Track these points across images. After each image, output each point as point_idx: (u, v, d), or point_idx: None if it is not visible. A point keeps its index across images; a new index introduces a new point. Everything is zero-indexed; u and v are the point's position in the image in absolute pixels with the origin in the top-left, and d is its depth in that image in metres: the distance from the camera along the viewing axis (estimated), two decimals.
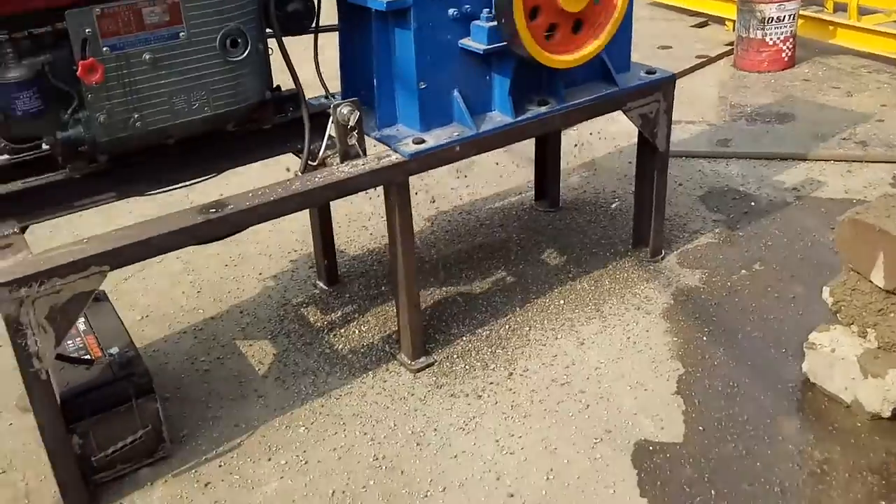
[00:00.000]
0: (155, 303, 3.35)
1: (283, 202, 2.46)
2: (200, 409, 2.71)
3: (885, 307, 2.49)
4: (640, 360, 2.79)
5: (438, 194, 4.07)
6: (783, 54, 5.25)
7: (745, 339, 2.85)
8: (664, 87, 3.10)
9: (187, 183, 2.68)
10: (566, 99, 2.91)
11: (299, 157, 2.78)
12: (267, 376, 2.85)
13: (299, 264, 3.55)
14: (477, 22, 2.67)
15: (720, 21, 6.53)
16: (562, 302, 3.11)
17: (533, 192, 3.93)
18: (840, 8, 6.29)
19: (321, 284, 3.37)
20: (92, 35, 2.24)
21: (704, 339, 2.87)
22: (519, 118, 2.82)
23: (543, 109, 2.87)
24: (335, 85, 2.96)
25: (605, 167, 4.25)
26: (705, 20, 6.70)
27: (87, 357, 2.44)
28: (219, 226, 2.37)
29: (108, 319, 2.68)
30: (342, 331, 3.06)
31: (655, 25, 6.52)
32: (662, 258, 3.35)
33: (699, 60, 5.66)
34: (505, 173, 4.26)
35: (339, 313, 3.17)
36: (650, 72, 3.12)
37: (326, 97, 2.90)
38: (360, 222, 3.87)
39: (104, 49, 2.26)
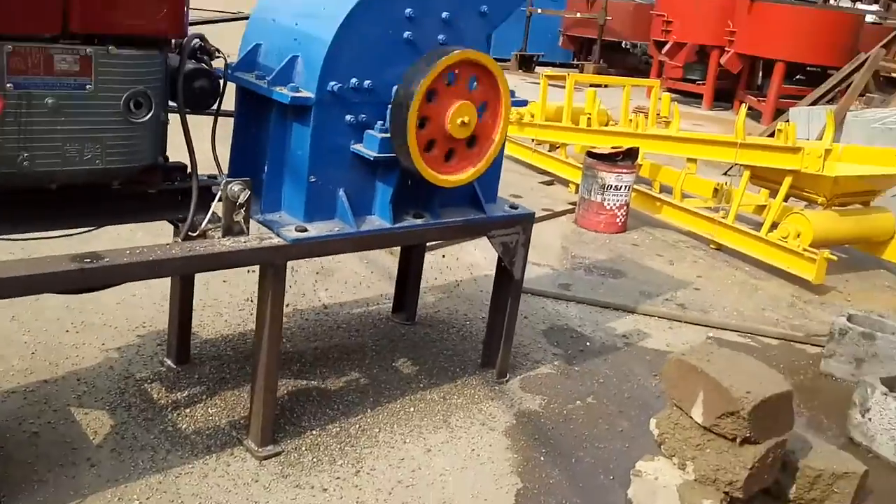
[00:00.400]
0: None
1: (160, 264, 2.46)
2: (25, 471, 2.53)
3: (702, 442, 2.76)
4: (482, 471, 2.90)
5: (297, 293, 4.12)
6: (617, 219, 5.85)
7: (579, 463, 3.05)
8: (524, 221, 3.40)
9: (62, 232, 2.62)
10: (440, 216, 3.14)
11: (177, 226, 2.80)
12: (102, 446, 2.71)
13: (146, 340, 3.45)
14: (370, 131, 2.87)
15: (565, 182, 7.18)
16: (412, 409, 3.21)
17: (390, 305, 4.07)
18: (665, 189, 7.13)
19: (169, 362, 3.28)
20: None
21: (542, 458, 3.03)
22: (396, 225, 2.99)
23: (419, 221, 3.07)
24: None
25: (459, 292, 4.48)
26: (552, 179, 7.34)
27: None
28: (91, 276, 2.34)
29: None
30: (187, 410, 2.98)
31: (509, 176, 7.00)
32: (507, 381, 3.55)
33: (545, 213, 6.17)
34: (364, 283, 4.39)
35: (186, 393, 3.10)
36: (513, 206, 3.42)
37: (218, 175, 2.96)
38: (215, 308, 3.83)
39: (8, 85, 2.25)
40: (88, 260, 2.32)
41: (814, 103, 8.63)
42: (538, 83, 7.70)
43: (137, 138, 2.53)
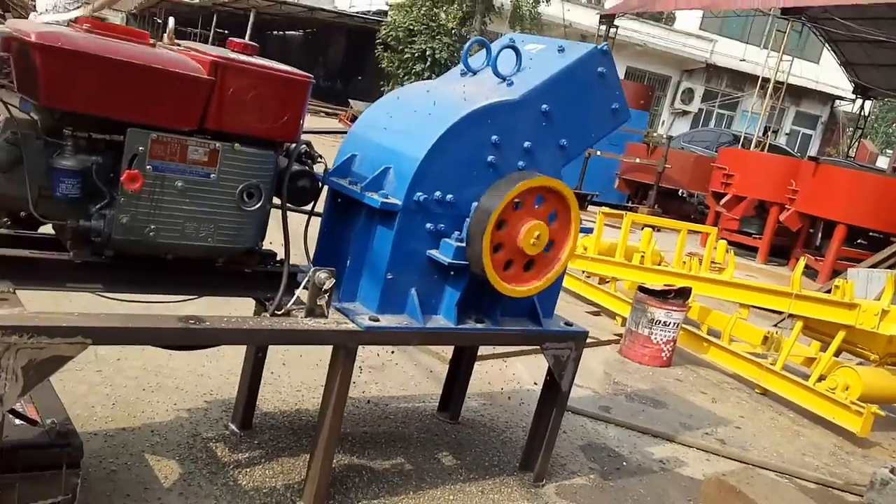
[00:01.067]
0: (69, 403, 3.42)
1: (252, 332, 2.79)
2: (102, 501, 2.80)
3: None
4: None
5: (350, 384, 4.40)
6: (663, 354, 6.04)
7: None
8: (577, 338, 3.66)
9: (169, 298, 2.98)
10: (500, 323, 3.43)
11: (264, 305, 3.14)
12: (171, 490, 2.98)
13: (213, 406, 3.75)
14: (447, 239, 3.22)
15: (612, 315, 7.41)
16: (451, 497, 3.41)
17: (436, 404, 4.31)
18: (713, 332, 7.30)
19: (233, 427, 3.56)
20: (143, 153, 2.65)
21: None
22: (458, 326, 3.29)
23: (480, 326, 3.37)
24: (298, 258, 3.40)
25: (503, 402, 4.70)
26: (599, 311, 7.58)
27: (32, 418, 2.57)
28: (194, 335, 2.67)
29: (47, 395, 2.83)
30: (247, 469, 3.24)
31: (558, 304, 7.32)
32: (543, 485, 3.72)
33: (591, 341, 6.39)
34: (413, 382, 4.65)
35: (247, 454, 3.36)
36: (568, 324, 3.70)
37: (307, 263, 3.31)
38: (274, 387, 4.13)
39: (148, 167, 2.67)
40: (193, 322, 2.66)
41: (874, 266, 8.78)
42: (591, 221, 8.07)
43: (246, 224, 2.92)
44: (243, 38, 3.02)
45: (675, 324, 6.01)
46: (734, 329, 6.54)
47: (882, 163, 37.62)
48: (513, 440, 4.17)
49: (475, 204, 3.19)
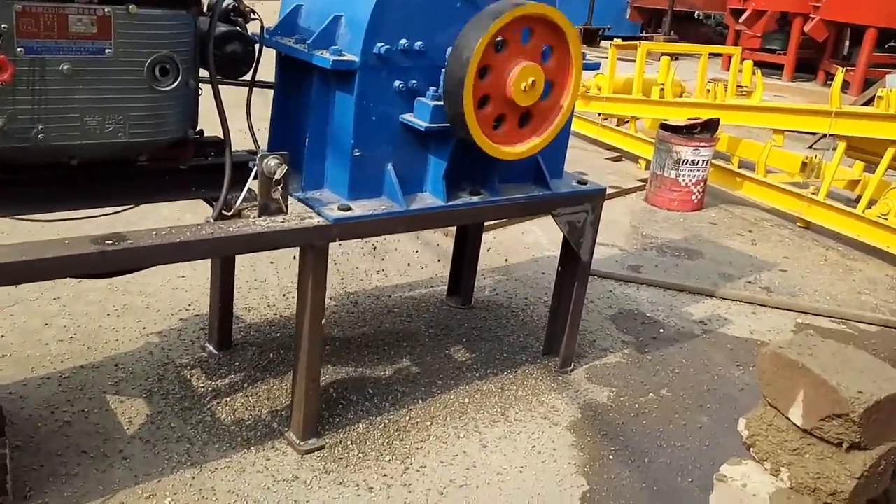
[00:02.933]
0: (20, 342, 3.00)
1: (189, 246, 2.24)
2: (54, 463, 2.37)
3: (800, 447, 2.42)
4: (543, 471, 2.63)
5: (348, 274, 3.90)
6: (693, 196, 5.45)
7: (652, 464, 2.75)
8: (594, 198, 3.09)
9: (85, 213, 2.44)
10: (499, 193, 2.85)
11: (212, 205, 2.59)
12: (135, 438, 2.54)
13: (189, 324, 3.28)
14: (422, 98, 2.60)
15: (634, 158, 6.78)
16: (467, 401, 2.95)
17: (446, 288, 3.81)
18: (746, 164, 6.67)
19: (210, 347, 3.10)
20: (7, 32, 2.03)
21: (611, 457, 2.74)
22: (450, 203, 2.72)
23: (475, 199, 2.79)
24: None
25: (519, 275, 4.19)
26: (620, 156, 6.95)
27: None
28: (114, 260, 2.13)
29: None
30: (227, 399, 2.79)
31: (574, 153, 6.62)
32: (571, 370, 3.26)
33: (613, 191, 5.81)
34: (420, 264, 4.14)
35: (227, 380, 2.91)
36: (581, 182, 3.11)
37: (255, 150, 2.72)
38: (261, 291, 3.65)
39: (18, 49, 2.06)
40: (110, 242, 2.12)
41: None
42: (605, 58, 7.28)
43: (164, 108, 2.32)
44: None
45: (704, 161, 5.38)
46: (769, 158, 5.89)
47: None
48: (534, 319, 3.68)
49: (449, 50, 2.55)
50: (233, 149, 2.63)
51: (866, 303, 4.26)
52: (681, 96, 7.36)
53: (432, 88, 2.60)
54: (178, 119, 2.38)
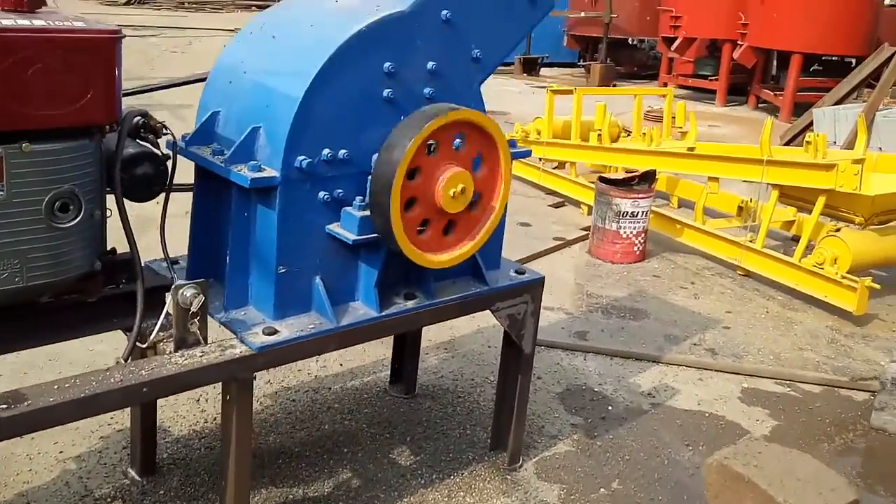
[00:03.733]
0: None
1: (96, 400, 2.04)
2: None
3: None
4: None
5: (286, 364, 3.73)
6: (635, 248, 5.41)
7: None
8: (533, 289, 2.98)
9: None
10: (435, 294, 2.72)
11: (127, 336, 2.40)
12: None
13: (110, 444, 3.06)
14: (348, 209, 2.46)
15: (576, 203, 6.74)
16: None
17: (388, 373, 3.66)
18: (685, 203, 6.67)
19: (133, 473, 2.88)
20: None
21: None
22: (384, 313, 2.58)
23: (410, 304, 2.66)
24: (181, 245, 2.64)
25: (465, 349, 4.07)
26: (562, 201, 6.90)
27: None
28: (10, 427, 1.93)
29: None
30: None
31: (516, 201, 6.64)
32: (520, 466, 3.14)
33: (557, 243, 5.75)
34: (361, 347, 3.98)
35: None
36: (519, 271, 3.00)
37: (168, 267, 2.54)
38: (191, 394, 3.44)
39: None
40: (5, 405, 1.92)
41: (838, 102, 8.09)
42: (543, 87, 7.21)
43: (66, 246, 2.13)
44: None
45: (643, 213, 5.35)
46: (707, 200, 5.88)
47: None
48: (481, 405, 3.56)
49: (375, 156, 2.43)
50: (148, 264, 2.46)
51: (809, 360, 4.24)
52: (618, 137, 7.37)
53: (359, 198, 2.46)
54: (82, 254, 2.19)
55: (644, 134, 6.78)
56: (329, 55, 2.31)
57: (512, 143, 2.81)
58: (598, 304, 4.78)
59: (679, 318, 4.64)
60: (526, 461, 3.18)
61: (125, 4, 27.13)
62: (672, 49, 13.22)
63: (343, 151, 2.42)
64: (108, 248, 2.38)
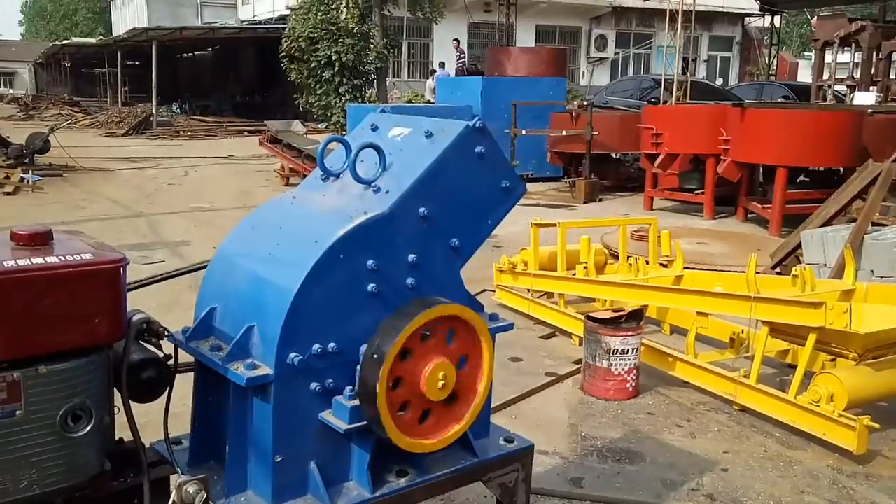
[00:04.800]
0: None
1: None
2: None
3: None
4: None
5: None
6: (628, 384, 5.53)
7: None
8: (523, 457, 3.11)
9: None
10: (427, 469, 2.86)
11: None
12: None
13: None
14: (339, 398, 2.63)
15: (567, 334, 6.89)
16: None
17: None
18: (677, 330, 6.80)
19: None
20: None
21: None
22: (377, 493, 2.71)
23: (403, 483, 2.79)
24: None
25: (461, 500, 4.14)
26: (553, 332, 7.05)
27: None
28: None
29: None
30: None
31: (508, 333, 6.79)
32: None
33: (549, 378, 5.87)
34: None
35: None
36: (508, 440, 3.13)
37: (172, 459, 2.69)
38: None
39: None
40: None
41: (827, 222, 8.33)
42: (531, 204, 7.45)
43: (79, 452, 2.31)
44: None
45: (633, 349, 5.50)
46: (700, 329, 6.01)
47: (804, 71, 38.01)
48: None
49: (363, 348, 2.62)
50: (153, 445, 2.61)
51: None
52: (605, 265, 7.60)
53: (349, 388, 2.64)
54: (93, 457, 2.37)
55: (630, 263, 7.00)
56: (315, 260, 2.53)
57: (494, 318, 3.03)
58: (594, 446, 4.87)
59: (676, 460, 4.71)
60: None
61: (123, 136, 28.11)
62: (655, 165, 13.65)
63: (332, 345, 2.61)
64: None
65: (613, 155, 17.32)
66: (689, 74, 21.76)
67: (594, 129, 15.29)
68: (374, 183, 2.79)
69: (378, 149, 2.82)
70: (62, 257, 2.25)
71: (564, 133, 15.80)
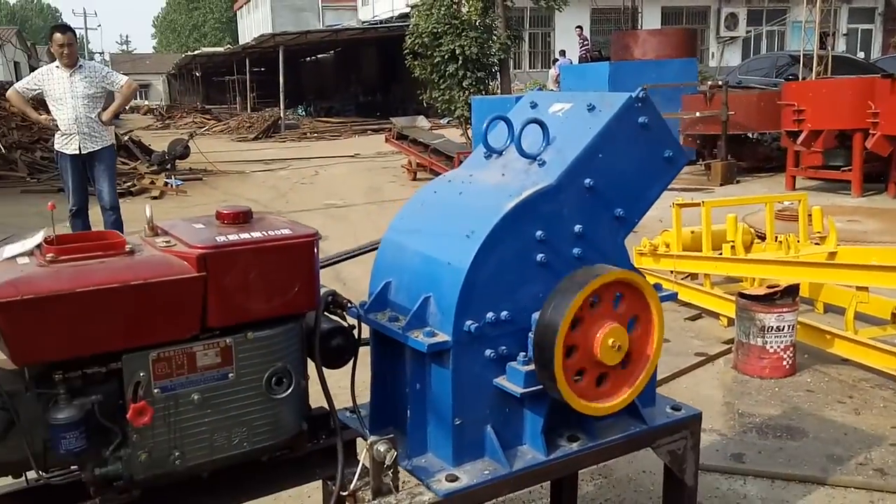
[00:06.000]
0: None
1: None
2: None
3: None
4: None
5: None
6: (784, 362, 5.40)
7: None
8: (691, 424, 3.13)
9: None
10: (597, 435, 2.93)
11: (326, 484, 2.75)
12: None
13: None
14: (513, 364, 2.74)
15: (714, 315, 6.76)
16: None
17: (546, 501, 3.83)
18: (832, 309, 6.55)
19: None
20: (145, 378, 2.27)
21: None
22: (551, 457, 2.80)
23: (575, 447, 2.87)
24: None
25: (619, 474, 4.19)
26: (699, 313, 6.93)
27: None
28: None
29: None
30: None
31: None
32: None
33: (699, 359, 5.80)
34: None
35: None
36: (675, 407, 3.16)
37: (360, 423, 2.88)
38: None
39: (155, 391, 2.29)
40: None
41: None
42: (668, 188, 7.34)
43: (283, 413, 2.52)
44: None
45: (789, 326, 5.36)
46: (859, 306, 5.76)
47: None
48: None
49: (535, 316, 2.71)
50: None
51: None
52: (752, 244, 7.40)
53: (522, 354, 2.74)
54: (293, 418, 2.58)
55: (779, 241, 6.79)
56: (487, 233, 2.64)
57: (658, 288, 3.05)
58: (752, 423, 4.79)
59: (840, 435, 4.58)
60: None
61: (254, 139, 29.32)
62: (797, 143, 13.09)
63: (504, 313, 2.72)
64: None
65: (750, 135, 16.71)
66: (829, 49, 20.63)
67: (730, 109, 14.81)
68: (538, 157, 2.88)
69: (542, 124, 2.91)
70: (264, 233, 2.46)
71: (698, 115, 15.36)
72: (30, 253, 2.34)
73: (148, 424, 2.27)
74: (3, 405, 2.18)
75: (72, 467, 2.46)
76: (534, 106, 3.19)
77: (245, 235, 2.43)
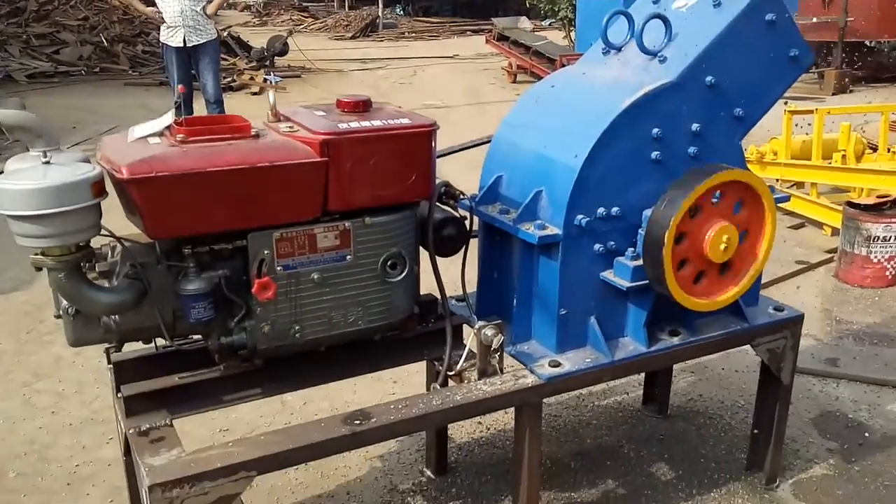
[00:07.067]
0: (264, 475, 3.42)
1: (424, 419, 2.52)
2: None
3: None
4: None
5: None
6: (887, 272, 5.27)
7: None
8: (792, 325, 3.15)
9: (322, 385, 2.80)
10: (698, 331, 2.98)
11: (434, 365, 2.91)
12: None
13: (405, 446, 3.61)
14: (621, 259, 2.78)
15: (818, 224, 6.59)
16: None
17: (638, 391, 3.95)
18: None
19: (429, 472, 3.41)
20: (269, 256, 2.41)
21: None
22: (652, 349, 2.88)
23: (676, 340, 2.94)
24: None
25: (712, 373, 4.26)
26: (802, 222, 6.77)
27: None
28: (362, 438, 2.45)
29: None
30: None
31: None
32: (777, 486, 3.31)
33: (799, 266, 5.71)
34: None
35: None
36: (778, 308, 3.18)
37: (469, 308, 2.99)
38: None
39: (278, 269, 2.43)
40: (358, 421, 2.43)
41: None
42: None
43: (395, 296, 2.65)
44: None
45: (895, 237, 5.21)
46: None
47: None
48: (733, 427, 3.75)
49: (646, 213, 2.74)
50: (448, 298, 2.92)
51: None
52: (863, 154, 7.09)
53: (630, 249, 2.78)
54: (406, 301, 2.70)
55: (892, 152, 6.49)
56: (603, 129, 2.64)
57: (772, 190, 3.02)
58: (849, 329, 4.75)
59: None
60: (782, 482, 3.34)
61: (351, 38, 28.92)
62: None
63: (615, 209, 2.75)
64: None
65: (868, 43, 15.65)
66: None
67: (849, 14, 13.83)
68: (659, 53, 2.83)
69: (664, 19, 2.84)
70: (384, 121, 2.53)
71: (814, 20, 14.42)
72: (160, 134, 2.47)
73: (271, 299, 2.42)
74: (137, 275, 2.36)
75: (194, 336, 2.65)
76: (656, 1, 3.10)
77: (366, 123, 2.50)
